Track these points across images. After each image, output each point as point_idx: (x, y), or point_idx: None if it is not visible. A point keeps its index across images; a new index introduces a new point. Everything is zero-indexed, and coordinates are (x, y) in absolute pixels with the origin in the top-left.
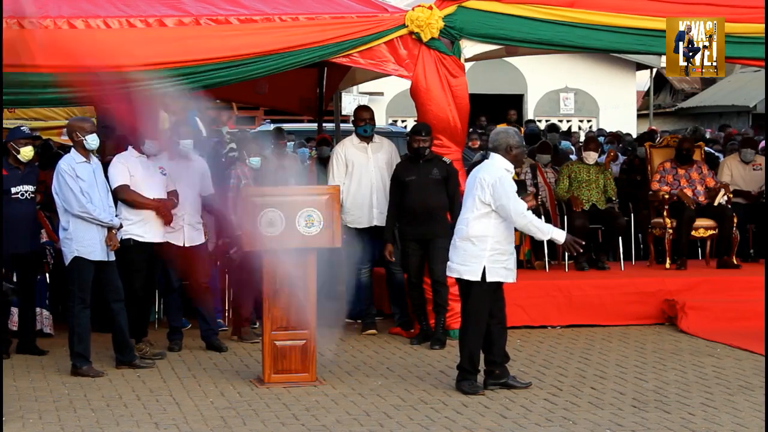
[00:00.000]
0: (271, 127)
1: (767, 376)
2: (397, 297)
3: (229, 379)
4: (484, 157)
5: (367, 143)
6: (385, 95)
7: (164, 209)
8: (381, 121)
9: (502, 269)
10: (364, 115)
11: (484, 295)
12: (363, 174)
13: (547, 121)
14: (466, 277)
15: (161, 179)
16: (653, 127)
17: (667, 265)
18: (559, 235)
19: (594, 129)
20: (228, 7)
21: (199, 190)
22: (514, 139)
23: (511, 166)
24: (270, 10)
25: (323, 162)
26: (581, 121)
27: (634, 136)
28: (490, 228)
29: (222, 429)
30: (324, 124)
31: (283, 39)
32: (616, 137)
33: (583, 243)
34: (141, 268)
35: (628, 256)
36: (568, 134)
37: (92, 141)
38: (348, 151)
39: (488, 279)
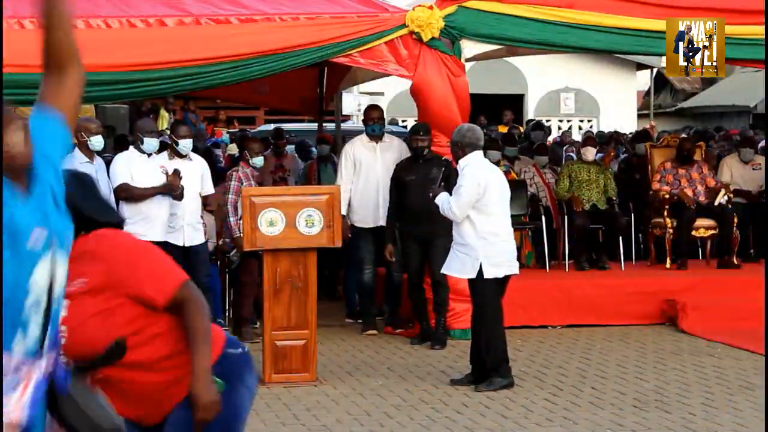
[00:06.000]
0: (271, 126)
1: (767, 376)
2: (390, 296)
3: None
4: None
5: (376, 142)
6: (385, 95)
7: (171, 185)
8: None
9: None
10: (372, 114)
11: None
12: (370, 173)
13: (547, 121)
14: None
15: (162, 178)
16: (652, 124)
17: (668, 265)
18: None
19: (594, 129)
20: (228, 7)
21: (199, 189)
22: None
23: None
24: (270, 10)
25: (322, 160)
26: (581, 121)
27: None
28: None
29: None
30: (324, 124)
31: (284, 39)
32: (617, 140)
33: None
34: None
35: (628, 256)
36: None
37: (97, 142)
38: (357, 150)
39: None
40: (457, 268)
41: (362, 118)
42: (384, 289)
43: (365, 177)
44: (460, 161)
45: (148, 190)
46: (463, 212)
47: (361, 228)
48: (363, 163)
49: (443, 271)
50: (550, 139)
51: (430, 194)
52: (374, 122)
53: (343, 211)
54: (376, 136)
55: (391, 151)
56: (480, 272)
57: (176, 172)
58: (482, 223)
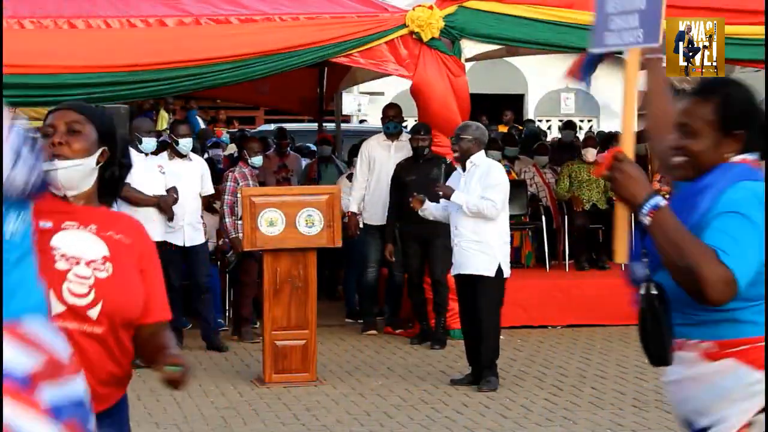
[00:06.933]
0: (272, 126)
1: (767, 376)
2: (391, 296)
3: (229, 379)
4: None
5: (392, 141)
6: (385, 95)
7: (165, 205)
8: (377, 120)
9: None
10: (389, 112)
11: None
12: (382, 171)
13: (547, 121)
14: None
15: (160, 178)
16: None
17: None
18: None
19: (594, 129)
20: (228, 7)
21: (199, 189)
22: None
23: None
24: (270, 10)
25: (323, 161)
26: (581, 121)
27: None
28: None
29: (223, 429)
30: (324, 124)
31: (284, 39)
32: (616, 139)
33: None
34: None
35: None
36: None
37: None
38: (372, 148)
39: None
40: (474, 265)
41: (381, 116)
42: (385, 290)
43: (377, 175)
44: (473, 157)
45: (144, 198)
46: (502, 209)
47: (369, 225)
48: (376, 161)
49: (458, 271)
50: (549, 138)
51: (440, 193)
52: (389, 120)
53: (355, 209)
54: (392, 134)
55: (405, 151)
56: (499, 270)
57: (173, 190)
58: (503, 222)
